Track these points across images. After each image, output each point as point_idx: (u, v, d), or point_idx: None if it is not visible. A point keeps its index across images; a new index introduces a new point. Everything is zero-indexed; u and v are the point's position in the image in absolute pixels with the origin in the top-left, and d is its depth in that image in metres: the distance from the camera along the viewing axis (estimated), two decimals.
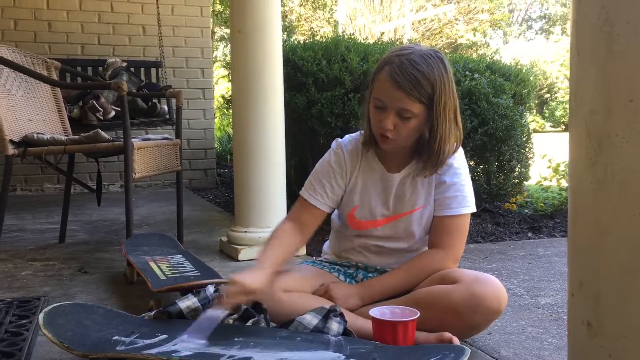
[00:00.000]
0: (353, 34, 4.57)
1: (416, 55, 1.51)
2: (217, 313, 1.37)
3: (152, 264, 2.04)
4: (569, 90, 0.88)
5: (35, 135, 2.53)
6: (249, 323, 1.43)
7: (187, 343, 1.31)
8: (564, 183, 3.96)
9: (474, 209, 1.65)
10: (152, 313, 1.50)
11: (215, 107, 6.18)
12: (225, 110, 8.25)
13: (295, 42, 3.74)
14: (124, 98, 2.44)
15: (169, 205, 4.15)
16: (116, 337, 1.35)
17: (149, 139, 2.67)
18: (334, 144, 1.71)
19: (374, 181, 1.66)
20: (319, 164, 1.70)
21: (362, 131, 1.66)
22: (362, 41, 3.54)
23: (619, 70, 0.77)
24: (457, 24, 19.45)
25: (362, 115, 1.64)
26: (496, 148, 3.49)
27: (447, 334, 1.43)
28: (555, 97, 22.68)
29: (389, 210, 1.66)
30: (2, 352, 1.46)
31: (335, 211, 1.79)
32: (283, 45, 2.88)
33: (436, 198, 1.64)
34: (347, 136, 1.72)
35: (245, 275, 1.40)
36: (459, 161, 1.64)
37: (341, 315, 1.42)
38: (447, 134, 1.55)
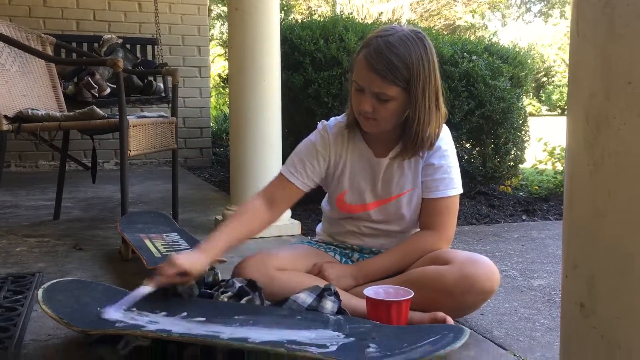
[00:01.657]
0: (351, 13, 4.54)
1: (394, 38, 1.49)
2: (145, 289, 1.38)
3: (147, 242, 2.04)
4: (567, 73, 0.88)
5: (29, 111, 2.51)
6: (243, 301, 1.43)
7: (186, 321, 1.32)
8: (559, 166, 3.97)
9: (461, 190, 1.66)
10: (147, 290, 1.50)
11: (211, 86, 6.15)
12: (221, 89, 8.20)
13: (293, 21, 3.71)
14: (120, 75, 2.42)
15: (164, 183, 4.15)
16: (116, 314, 1.35)
17: (145, 117, 2.65)
18: (319, 125, 1.69)
19: (363, 165, 1.66)
20: (303, 143, 1.69)
21: (347, 113, 1.66)
22: (360, 21, 3.52)
23: (619, 53, 0.77)
24: (456, 6, 19.32)
25: (348, 97, 1.63)
26: (492, 130, 3.49)
27: (441, 314, 1.44)
28: (552, 81, 22.63)
29: (377, 194, 1.66)
30: None
31: (325, 197, 1.79)
32: (281, 24, 2.85)
33: (424, 180, 1.64)
34: (332, 119, 1.71)
35: (184, 257, 1.41)
36: (446, 143, 1.64)
37: (335, 294, 1.43)
38: (427, 117, 1.54)
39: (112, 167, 5.16)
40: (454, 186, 1.64)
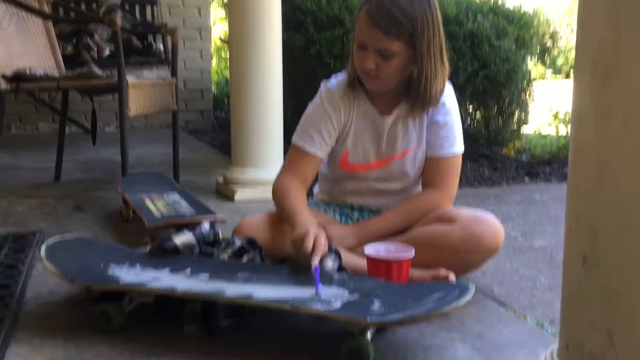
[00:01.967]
0: None
1: None
2: (318, 267, 1.31)
3: (148, 202, 2.04)
4: (576, 20, 0.85)
5: (28, 71, 2.48)
6: (244, 259, 1.43)
7: (190, 278, 1.32)
8: (563, 130, 3.94)
9: (462, 149, 1.64)
10: (147, 249, 1.50)
11: (212, 49, 6.07)
12: (222, 53, 8.11)
13: None
14: (118, 33, 2.38)
15: (165, 147, 4.11)
16: (119, 271, 1.35)
17: (144, 77, 2.62)
18: (322, 88, 1.65)
19: (367, 124, 1.63)
20: (312, 109, 1.64)
21: (347, 72, 1.62)
22: None
23: None
24: None
25: (350, 55, 1.60)
26: (496, 92, 3.45)
27: (443, 271, 1.44)
28: (558, 46, 22.33)
29: (381, 153, 1.64)
30: None
31: None
32: None
33: (428, 139, 1.62)
34: (332, 78, 1.67)
35: (314, 228, 1.37)
36: (450, 100, 1.62)
37: (336, 252, 1.42)
38: (433, 73, 1.52)
39: (113, 130, 5.13)
40: (458, 144, 1.62)
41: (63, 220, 2.20)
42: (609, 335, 0.82)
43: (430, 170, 1.64)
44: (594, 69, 0.79)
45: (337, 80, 1.65)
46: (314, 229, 1.36)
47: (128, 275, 1.33)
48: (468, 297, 1.18)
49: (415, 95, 1.55)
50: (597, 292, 0.83)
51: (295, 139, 1.63)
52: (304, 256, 1.32)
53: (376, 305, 1.19)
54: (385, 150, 1.64)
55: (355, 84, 1.60)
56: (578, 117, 0.84)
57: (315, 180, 1.86)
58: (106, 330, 1.24)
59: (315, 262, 1.30)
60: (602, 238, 0.81)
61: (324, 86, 1.65)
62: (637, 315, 0.79)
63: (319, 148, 1.60)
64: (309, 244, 1.32)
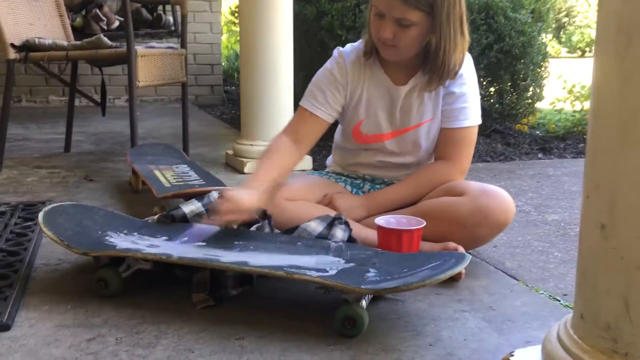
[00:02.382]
0: None
1: None
2: (210, 228, 1.35)
3: (157, 172, 2.03)
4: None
5: (37, 40, 2.46)
6: (253, 228, 1.42)
7: (187, 245, 1.31)
8: (578, 105, 3.87)
9: (480, 121, 1.61)
10: (156, 217, 1.49)
11: (222, 23, 6.01)
12: (232, 25, 8.04)
13: None
14: (127, 2, 2.35)
15: (175, 120, 4.11)
16: (116, 238, 1.35)
17: (153, 47, 2.59)
18: (335, 52, 1.62)
19: (380, 93, 1.60)
20: (320, 72, 1.62)
21: (364, 40, 1.59)
22: None
23: None
24: None
25: (367, 24, 1.56)
26: (511, 66, 3.38)
27: (452, 244, 1.42)
28: (574, 22, 21.97)
29: (395, 123, 1.61)
30: (7, 250, 1.47)
31: (338, 128, 1.74)
32: None
33: (443, 109, 1.59)
34: (348, 45, 1.64)
35: (240, 193, 1.32)
36: (468, 71, 1.58)
37: (346, 223, 1.40)
38: (453, 44, 1.48)
39: (123, 104, 5.12)
40: (473, 116, 1.59)
41: (73, 190, 2.20)
42: (625, 305, 0.80)
43: (444, 142, 1.61)
44: (617, 28, 0.75)
45: (351, 47, 1.62)
46: (242, 192, 1.31)
47: (125, 242, 1.32)
48: (464, 264, 1.16)
49: (433, 67, 1.51)
50: (614, 261, 0.80)
51: (301, 101, 1.61)
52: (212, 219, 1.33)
53: (371, 274, 1.18)
54: (399, 121, 1.60)
55: (372, 53, 1.57)
56: (599, 81, 0.81)
57: (329, 152, 1.84)
58: (105, 295, 1.24)
59: (209, 227, 1.34)
60: (621, 206, 0.79)
61: (337, 52, 1.62)
62: None
63: (320, 109, 1.57)
64: (222, 206, 1.27)
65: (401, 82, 1.58)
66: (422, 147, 1.63)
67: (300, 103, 1.61)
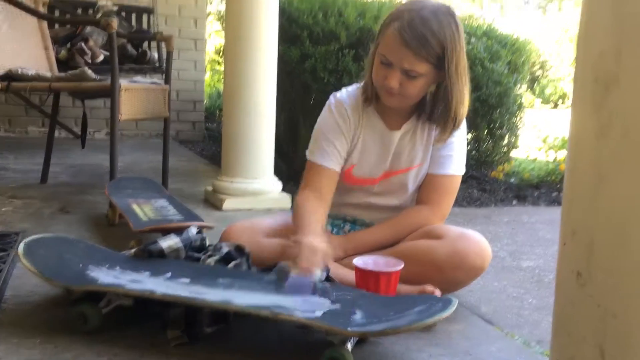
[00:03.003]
0: None
1: (427, 12, 1.44)
2: (306, 280, 1.27)
3: (135, 206, 2.01)
4: (577, 32, 0.85)
5: (19, 70, 2.45)
6: (230, 265, 1.41)
7: (171, 282, 1.29)
8: (552, 155, 3.96)
9: (464, 171, 1.64)
10: (133, 251, 1.47)
11: (206, 62, 6.07)
12: (217, 64, 8.11)
13: None
14: (113, 36, 2.37)
15: (155, 155, 4.08)
16: (98, 272, 1.32)
17: (137, 82, 2.60)
18: (332, 99, 1.63)
19: (374, 139, 1.61)
20: (323, 123, 1.62)
21: (362, 85, 1.61)
22: None
23: (633, 10, 0.74)
24: None
25: (366, 68, 1.58)
26: (488, 114, 3.46)
27: (430, 287, 1.42)
28: (547, 75, 22.61)
29: (386, 167, 1.62)
30: None
31: None
32: None
33: (431, 155, 1.61)
34: (344, 90, 1.65)
35: (315, 240, 1.33)
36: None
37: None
38: (462, 95, 1.51)
39: (103, 137, 5.09)
40: (459, 166, 1.62)
41: (47, 221, 2.17)
42: (601, 353, 0.80)
43: (427, 187, 1.63)
44: (594, 81, 0.78)
45: (347, 93, 1.63)
46: (317, 244, 1.32)
47: (107, 276, 1.30)
48: (451, 310, 1.16)
49: (440, 118, 1.54)
50: (590, 308, 0.81)
51: (309, 155, 1.60)
52: (302, 269, 1.27)
53: (358, 316, 1.18)
54: (390, 164, 1.62)
55: (372, 100, 1.58)
56: (577, 129, 0.84)
57: None
58: (83, 331, 1.21)
59: (315, 275, 1.27)
60: (597, 254, 0.80)
61: (334, 98, 1.63)
62: (631, 334, 0.78)
63: (333, 161, 1.57)
64: (303, 257, 1.27)
65: (395, 127, 1.60)
66: (409, 190, 1.64)
67: (310, 158, 1.59)
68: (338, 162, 1.58)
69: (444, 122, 1.54)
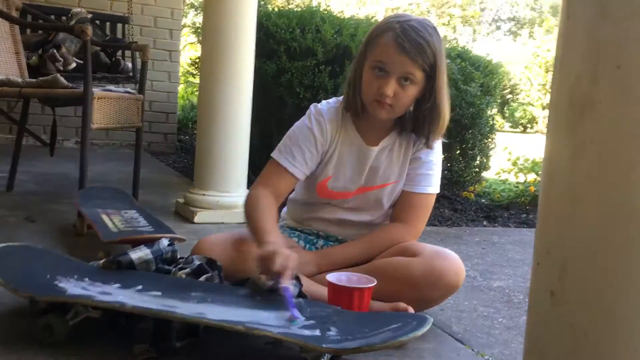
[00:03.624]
0: (328, 6, 4.50)
1: (416, 22, 1.48)
2: (289, 288, 1.26)
3: (104, 217, 1.97)
4: (554, 56, 0.87)
5: None
6: (202, 278, 1.39)
7: (142, 294, 1.26)
8: (522, 177, 4.03)
9: (438, 190, 1.65)
10: (101, 262, 1.44)
11: (180, 74, 6.04)
12: (191, 76, 8.07)
13: (271, 8, 3.66)
14: (87, 43, 2.34)
15: (126, 165, 4.02)
16: (66, 283, 1.29)
17: (110, 90, 2.57)
18: (312, 109, 1.62)
19: (352, 153, 1.61)
20: (298, 128, 1.61)
21: (343, 99, 1.61)
22: (338, 14, 3.50)
23: (609, 35, 0.76)
24: (429, 16, 19.54)
25: (348, 83, 1.58)
26: (460, 135, 3.51)
27: (402, 304, 1.42)
28: (517, 99, 23.08)
29: (362, 182, 1.62)
30: None
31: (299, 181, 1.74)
32: (258, 9, 2.81)
33: (408, 173, 1.62)
34: (324, 103, 1.64)
35: (277, 245, 1.31)
36: (437, 143, 1.63)
37: (297, 278, 1.39)
38: (447, 106, 1.54)
39: (72, 146, 5.00)
40: (435, 184, 1.63)
41: (12, 231, 2.11)
42: None
43: (402, 204, 1.63)
44: (570, 104, 0.80)
45: (327, 105, 1.63)
46: (285, 249, 1.31)
47: (75, 287, 1.26)
48: (425, 328, 1.16)
49: (429, 129, 1.55)
50: (563, 328, 0.82)
51: (275, 154, 1.58)
52: (271, 275, 1.27)
53: (332, 332, 1.17)
54: (365, 179, 1.62)
55: (359, 113, 1.58)
56: (552, 151, 0.85)
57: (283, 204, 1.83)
58: (48, 344, 1.18)
59: (283, 282, 1.25)
60: (570, 273, 0.81)
61: (314, 108, 1.62)
62: (603, 354, 0.79)
63: (298, 168, 1.56)
64: (279, 263, 1.26)
65: (373, 142, 1.61)
66: (384, 207, 1.64)
67: (276, 157, 1.58)
68: (301, 171, 1.57)
69: (430, 132, 1.56)
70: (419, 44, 1.44)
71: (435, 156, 1.62)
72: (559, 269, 0.82)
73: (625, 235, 0.76)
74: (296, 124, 1.63)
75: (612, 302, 0.77)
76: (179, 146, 5.45)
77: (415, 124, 1.57)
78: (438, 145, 1.63)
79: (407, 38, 1.44)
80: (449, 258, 1.47)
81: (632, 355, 0.77)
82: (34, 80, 2.44)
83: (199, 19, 3.44)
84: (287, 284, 1.26)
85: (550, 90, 0.88)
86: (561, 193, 0.82)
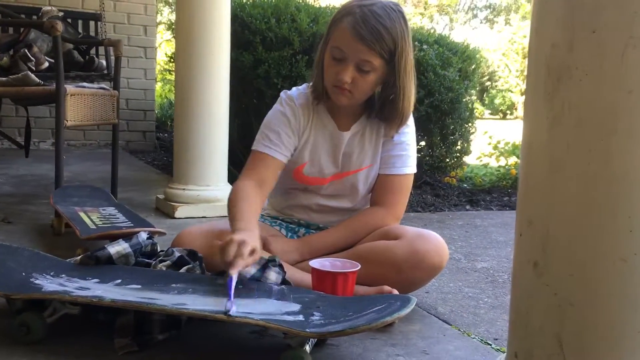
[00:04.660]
0: None
1: (378, 8, 1.45)
2: (233, 279, 1.20)
3: (82, 214, 1.94)
4: (530, 24, 0.86)
5: None
6: (183, 270, 1.36)
7: (121, 287, 1.23)
8: (502, 161, 4.05)
9: (415, 170, 1.63)
10: (79, 258, 1.41)
11: (157, 72, 5.97)
12: (169, 73, 7.99)
13: None
14: (58, 39, 2.29)
15: (104, 164, 3.97)
16: (42, 280, 1.26)
17: (84, 87, 2.52)
18: (283, 95, 1.61)
19: (325, 138, 1.60)
20: (271, 115, 1.59)
21: (311, 84, 1.60)
22: (313, 3, 3.47)
23: (583, 1, 0.75)
24: (406, 6, 19.56)
25: (315, 67, 1.57)
26: (440, 120, 3.51)
27: (387, 287, 1.41)
28: (496, 86, 23.23)
29: (337, 168, 1.61)
30: None
31: None
32: (232, 1, 2.77)
33: (382, 156, 1.61)
34: (294, 89, 1.63)
35: (245, 235, 1.26)
36: (409, 120, 1.61)
37: (280, 266, 1.37)
38: (409, 91, 1.52)
39: (48, 147, 4.92)
40: (411, 165, 1.61)
41: None
42: (558, 343, 0.80)
43: (380, 188, 1.62)
44: (547, 69, 0.79)
45: (297, 91, 1.62)
46: (241, 236, 1.25)
47: (52, 284, 1.23)
48: (409, 308, 1.15)
49: (391, 115, 1.53)
50: (547, 298, 0.81)
51: (254, 145, 1.56)
52: (225, 265, 1.23)
53: (316, 317, 1.15)
54: (341, 165, 1.61)
55: (322, 98, 1.56)
56: (530, 120, 0.84)
57: None
58: (25, 342, 1.15)
59: (231, 271, 1.20)
60: (553, 243, 0.80)
61: (285, 94, 1.61)
62: (587, 322, 0.78)
63: (278, 151, 1.54)
64: (230, 252, 1.21)
65: (345, 127, 1.59)
66: (360, 192, 1.63)
67: (255, 147, 1.56)
68: (283, 154, 1.54)
69: (393, 118, 1.54)
70: (377, 32, 1.42)
71: (407, 136, 1.61)
72: (542, 239, 0.81)
73: (606, 201, 0.75)
74: (269, 112, 1.61)
75: (594, 270, 0.77)
76: (157, 144, 5.39)
77: (381, 108, 1.56)
78: (410, 123, 1.62)
79: (365, 24, 1.42)
80: (431, 239, 1.46)
81: (614, 319, 0.76)
82: (4, 78, 2.38)
83: (174, 16, 3.43)
84: (233, 274, 1.20)
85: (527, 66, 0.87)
86: (541, 161, 0.81)
